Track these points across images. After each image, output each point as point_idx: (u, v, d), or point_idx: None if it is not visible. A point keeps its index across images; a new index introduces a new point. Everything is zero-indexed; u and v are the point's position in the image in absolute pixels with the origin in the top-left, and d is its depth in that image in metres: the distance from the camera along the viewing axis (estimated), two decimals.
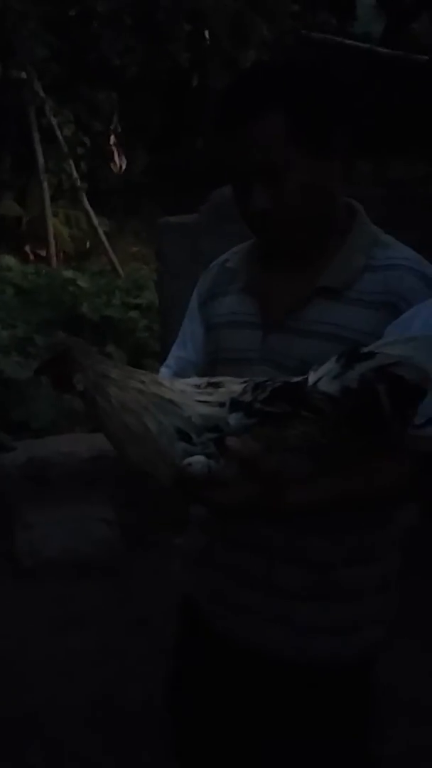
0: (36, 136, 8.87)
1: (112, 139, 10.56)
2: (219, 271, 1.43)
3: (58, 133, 8.76)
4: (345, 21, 9.06)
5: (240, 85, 1.24)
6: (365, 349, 1.05)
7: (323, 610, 1.29)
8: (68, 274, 7.22)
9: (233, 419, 1.06)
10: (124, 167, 10.94)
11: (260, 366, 1.26)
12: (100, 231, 9.12)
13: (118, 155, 10.79)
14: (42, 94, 8.51)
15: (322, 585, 1.29)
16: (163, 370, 1.48)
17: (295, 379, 1.09)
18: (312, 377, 1.07)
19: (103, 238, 9.12)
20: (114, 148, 10.69)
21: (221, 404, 1.07)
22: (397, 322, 1.18)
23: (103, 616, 2.91)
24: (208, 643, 1.41)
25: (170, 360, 1.49)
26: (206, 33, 8.14)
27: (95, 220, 9.18)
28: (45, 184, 9.11)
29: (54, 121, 8.70)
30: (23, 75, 8.34)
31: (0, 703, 2.42)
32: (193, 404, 1.07)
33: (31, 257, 10.01)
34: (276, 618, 1.31)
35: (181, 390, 1.09)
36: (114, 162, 10.75)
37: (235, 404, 1.07)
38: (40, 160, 9.01)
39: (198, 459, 1.03)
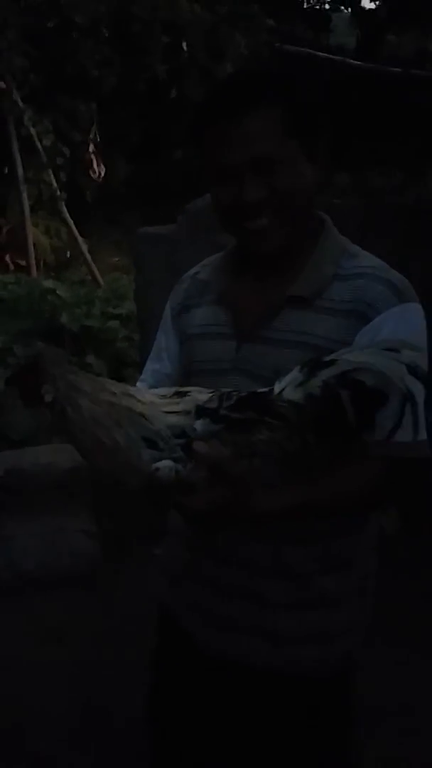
0: (15, 146, 8.86)
1: (91, 147, 10.57)
2: (191, 283, 1.44)
3: (38, 143, 8.76)
4: (320, 34, 9.18)
5: (234, 81, 1.28)
6: (327, 358, 1.08)
7: (302, 619, 1.30)
8: (48, 283, 7.19)
9: (200, 425, 1.08)
10: (102, 174, 10.95)
11: (234, 376, 1.27)
12: (80, 241, 9.12)
13: (97, 163, 10.81)
14: (21, 104, 8.51)
15: (300, 594, 1.29)
16: (139, 384, 1.48)
17: (261, 390, 1.11)
18: (277, 387, 1.10)
19: (83, 248, 9.12)
20: (93, 156, 10.70)
21: (187, 412, 1.09)
22: (366, 330, 1.20)
23: (83, 628, 2.89)
24: (186, 655, 1.41)
25: (146, 374, 1.49)
26: (183, 45, 8.19)
27: (75, 230, 9.18)
28: (24, 195, 9.10)
29: (33, 131, 8.70)
30: (2, 85, 8.34)
31: None
32: (162, 416, 1.08)
33: (11, 267, 9.99)
34: (255, 628, 1.31)
35: (150, 401, 1.10)
36: (93, 169, 10.76)
37: (201, 411, 1.09)
38: (20, 170, 9.00)
39: (165, 464, 1.04)
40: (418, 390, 1.07)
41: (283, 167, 1.20)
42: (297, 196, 1.22)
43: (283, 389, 1.09)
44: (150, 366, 1.49)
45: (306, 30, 9.05)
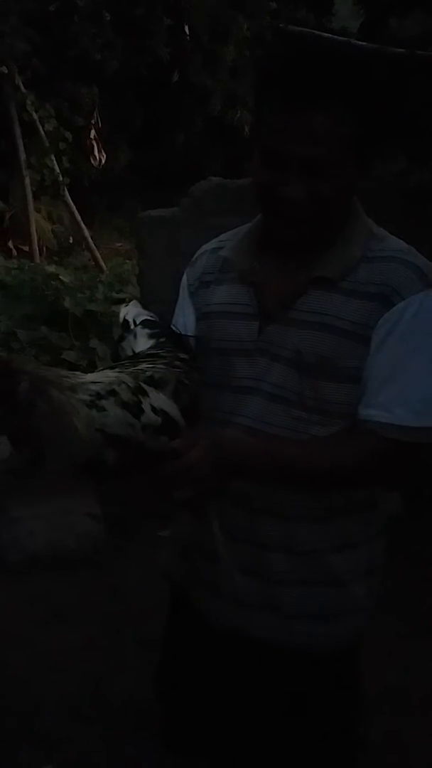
0: (17, 131, 8.83)
1: (92, 133, 10.52)
2: (210, 258, 1.42)
3: (40, 128, 8.73)
4: (323, 17, 9.11)
5: (307, 67, 1.17)
6: None
7: (309, 596, 1.31)
8: (51, 269, 7.19)
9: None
10: (104, 161, 10.91)
11: (256, 357, 1.27)
12: (83, 226, 9.10)
13: (98, 149, 10.75)
14: (23, 89, 8.47)
15: (310, 570, 1.30)
16: None
17: None
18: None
19: (86, 233, 9.11)
20: (94, 142, 10.65)
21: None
22: (388, 315, 1.20)
23: (89, 610, 2.92)
24: (196, 629, 1.42)
25: None
26: (186, 28, 8.14)
27: (78, 216, 9.16)
28: (27, 180, 9.07)
29: (35, 116, 8.66)
30: (4, 70, 8.30)
31: None
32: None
33: (14, 252, 9.98)
34: (264, 603, 1.32)
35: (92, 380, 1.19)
36: (93, 156, 10.71)
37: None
38: (22, 155, 8.97)
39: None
40: None
41: (333, 172, 1.17)
42: (337, 201, 1.21)
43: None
44: None
45: (308, 13, 8.96)
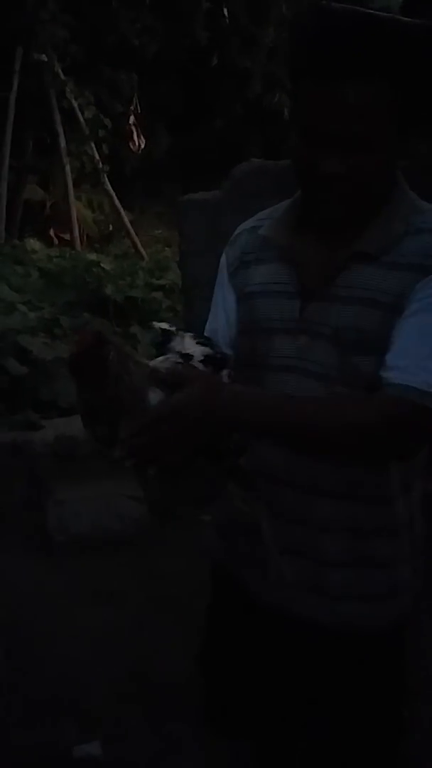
0: (58, 119, 8.88)
1: (132, 119, 10.52)
2: (248, 237, 1.40)
3: (80, 115, 8.77)
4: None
5: (346, 36, 1.10)
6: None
7: (356, 577, 1.30)
8: (92, 256, 7.27)
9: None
10: (142, 146, 10.91)
11: (298, 335, 1.26)
12: (123, 214, 9.15)
13: (137, 135, 10.76)
14: (62, 76, 8.52)
15: (355, 552, 1.29)
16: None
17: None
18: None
19: (126, 220, 9.16)
20: (133, 128, 10.66)
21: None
22: (427, 280, 1.17)
23: (133, 591, 2.95)
24: (240, 610, 1.42)
25: (206, 334, 1.45)
26: (225, 11, 8.08)
27: (118, 203, 9.21)
28: (67, 168, 9.14)
29: (75, 103, 8.71)
30: (44, 57, 8.35)
31: (33, 678, 2.46)
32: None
33: (56, 241, 10.08)
34: (309, 584, 1.32)
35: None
36: (133, 142, 10.72)
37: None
38: (62, 143, 9.03)
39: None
40: None
41: (373, 148, 1.14)
42: (378, 176, 1.18)
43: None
44: (208, 326, 1.47)
45: None
